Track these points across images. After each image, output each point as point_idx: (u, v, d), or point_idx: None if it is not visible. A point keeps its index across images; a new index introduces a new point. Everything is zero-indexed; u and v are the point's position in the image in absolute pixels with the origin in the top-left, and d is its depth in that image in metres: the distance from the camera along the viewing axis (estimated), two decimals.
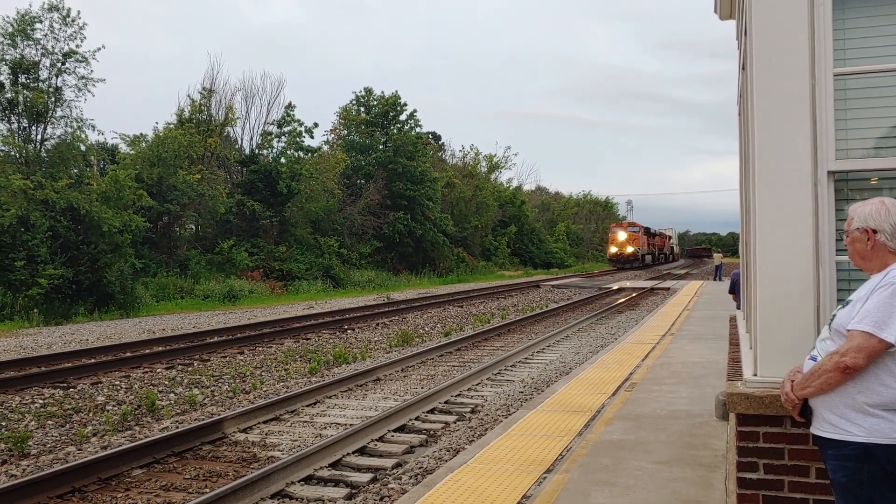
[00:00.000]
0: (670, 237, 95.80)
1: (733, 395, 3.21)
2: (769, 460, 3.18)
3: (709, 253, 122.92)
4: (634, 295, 29.90)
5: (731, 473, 3.70)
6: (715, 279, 39.99)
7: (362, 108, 50.11)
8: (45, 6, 25.91)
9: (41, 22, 25.84)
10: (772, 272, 3.19)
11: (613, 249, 62.89)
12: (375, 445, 7.62)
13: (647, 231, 69.13)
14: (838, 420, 2.60)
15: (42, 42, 25.93)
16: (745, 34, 3.74)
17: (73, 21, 26.20)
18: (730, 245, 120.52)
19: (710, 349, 11.57)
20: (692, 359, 10.78)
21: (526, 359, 13.43)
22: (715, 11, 6.14)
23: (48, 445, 7.76)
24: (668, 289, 32.41)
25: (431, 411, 9.22)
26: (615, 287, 35.01)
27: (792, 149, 3.17)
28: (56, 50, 26.14)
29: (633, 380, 9.17)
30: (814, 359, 2.71)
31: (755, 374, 3.23)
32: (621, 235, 63.18)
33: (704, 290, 27.91)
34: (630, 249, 62.13)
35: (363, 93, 50.41)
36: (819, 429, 2.68)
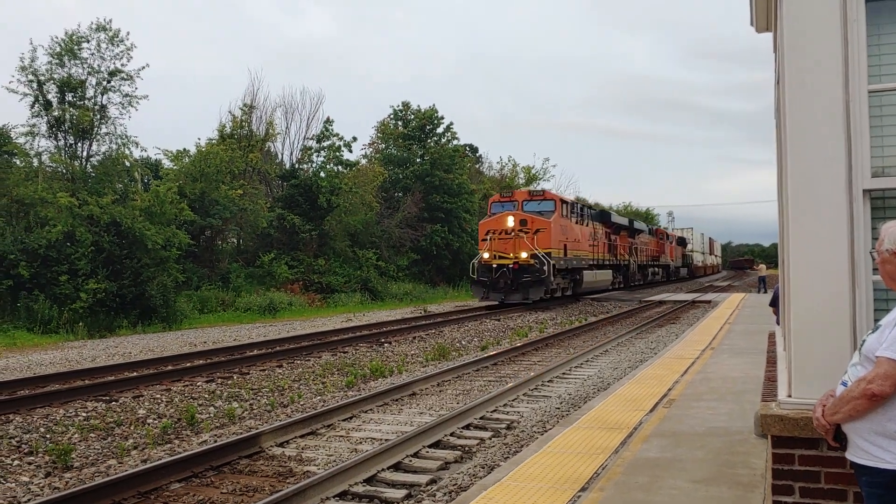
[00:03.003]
0: (686, 242, 72.69)
1: (767, 417, 3.16)
2: (805, 483, 3.12)
3: (751, 264, 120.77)
4: (675, 308, 29.55)
5: (768, 496, 3.64)
6: (759, 291, 39.32)
7: (400, 122, 50.49)
8: (93, 26, 26.59)
9: (88, 42, 26.51)
10: (806, 292, 3.14)
11: (486, 255, 29.49)
12: (410, 461, 7.62)
13: (592, 214, 37.12)
14: (870, 447, 2.54)
15: (88, 61, 26.61)
16: (778, 49, 3.70)
17: (120, 41, 26.83)
18: (772, 256, 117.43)
19: (752, 364, 11.36)
20: (733, 374, 10.60)
21: (563, 374, 13.33)
22: (751, 24, 6.07)
23: (90, 458, 7.90)
24: (710, 302, 31.98)
25: (467, 427, 9.19)
26: (656, 300, 34.67)
27: (826, 167, 3.12)
28: (102, 68, 26.80)
29: (672, 396, 9.04)
30: (844, 384, 2.65)
31: (790, 396, 3.18)
32: (509, 222, 29.50)
33: (747, 303, 27.46)
34: (525, 256, 28.72)
35: (401, 106, 50.85)
36: (853, 454, 2.62)
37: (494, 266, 28.92)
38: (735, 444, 6.62)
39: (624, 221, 44.32)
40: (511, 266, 28.58)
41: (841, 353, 3.01)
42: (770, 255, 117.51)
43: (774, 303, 10.17)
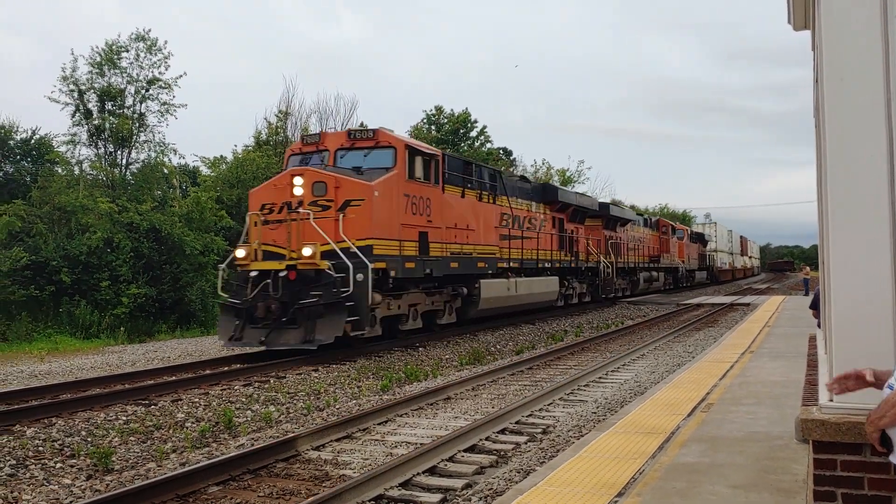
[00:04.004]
0: (706, 239, 61.59)
1: (808, 421, 3.10)
2: (847, 489, 3.05)
3: (791, 266, 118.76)
4: (714, 311, 29.18)
5: (810, 502, 3.56)
6: (805, 294, 38.60)
7: (433, 127, 50.58)
8: (133, 36, 27.07)
9: (128, 51, 27.00)
10: (847, 294, 3.07)
11: (242, 253, 15.53)
12: (445, 465, 7.61)
13: (517, 187, 24.22)
14: None
15: (128, 70, 27.08)
16: (816, 47, 3.63)
17: (158, 50, 27.27)
18: (813, 258, 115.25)
19: (792, 368, 11.16)
20: (773, 378, 10.42)
21: (600, 378, 13.23)
22: (788, 22, 5.98)
23: (130, 461, 8.02)
24: (749, 304, 31.54)
25: (502, 431, 9.16)
26: (694, 303, 34.26)
27: (867, 166, 3.05)
28: (141, 77, 27.26)
29: (710, 400, 8.92)
30: (892, 387, 2.59)
31: (831, 400, 3.11)
32: (295, 187, 15.52)
33: (787, 306, 27.01)
34: (310, 252, 14.85)
35: (433, 111, 50.92)
36: None
37: (255, 274, 15.20)
38: (775, 450, 6.50)
39: (590, 205, 31.26)
40: (285, 274, 14.97)
41: (884, 356, 2.94)
42: (810, 257, 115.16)
43: (815, 305, 9.99)
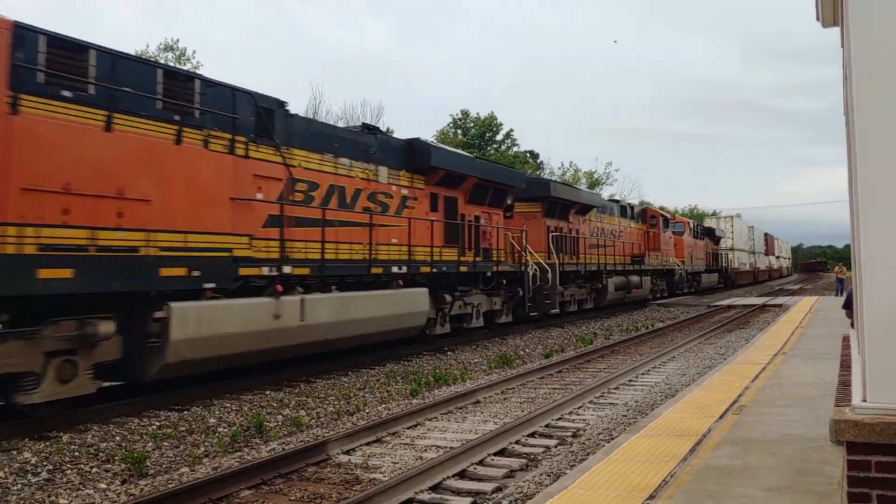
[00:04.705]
0: (718, 236, 52.32)
1: (841, 422, 3.07)
2: (883, 491, 3.01)
3: (824, 267, 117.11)
4: (745, 313, 28.88)
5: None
6: (837, 294, 38.02)
7: (459, 131, 50.66)
8: (161, 46, 27.45)
9: (157, 61, 27.41)
10: (879, 293, 3.03)
11: None
12: (475, 469, 7.61)
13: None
14: None
15: None
16: (844, 45, 3.60)
17: (187, 60, 27.70)
18: (846, 258, 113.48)
19: (826, 369, 11.01)
20: (806, 379, 10.30)
21: (630, 381, 13.16)
22: (817, 19, 5.92)
23: (164, 466, 8.12)
24: (781, 305, 31.18)
25: (532, 435, 9.15)
26: (725, 304, 33.91)
27: None
28: None
29: (742, 402, 8.83)
30: None
31: (864, 400, 3.08)
32: None
33: (820, 306, 26.65)
34: None
35: (459, 115, 51.02)
36: None
37: None
38: (809, 452, 6.42)
39: (511, 181, 21.23)
40: None
41: None
42: (843, 257, 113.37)
43: (848, 305, 9.86)
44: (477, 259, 19.44)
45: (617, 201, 34.89)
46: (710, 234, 50.82)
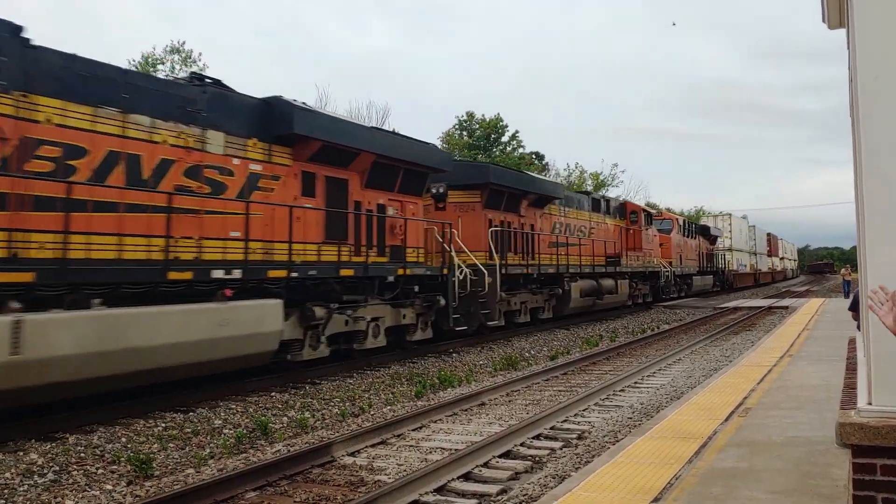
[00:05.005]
0: (713, 235, 48.28)
1: (846, 425, 3.06)
2: (888, 494, 3.00)
3: (831, 268, 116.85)
4: (751, 315, 28.81)
5: None
6: (845, 296, 37.90)
7: (464, 132, 50.66)
8: (168, 49, 27.52)
9: (163, 63, 27.49)
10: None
11: None
12: (480, 471, 7.61)
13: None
14: None
15: None
16: (850, 46, 3.59)
17: (193, 62, 27.78)
18: (852, 259, 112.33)
19: (832, 371, 10.97)
20: (812, 382, 10.27)
21: (635, 383, 13.14)
22: (823, 21, 5.91)
23: (170, 467, 8.13)
24: (787, 307, 31.10)
25: (537, 437, 9.14)
26: (731, 306, 33.84)
27: None
28: None
29: (748, 404, 8.81)
30: None
31: (870, 403, 3.07)
32: None
33: (827, 308, 26.58)
34: None
35: (465, 117, 51.01)
36: None
37: None
38: (815, 455, 6.40)
39: (437, 163, 17.38)
40: None
41: None
42: (850, 259, 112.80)
43: (854, 307, 9.82)
44: (380, 259, 15.20)
45: (588, 193, 30.71)
46: (705, 233, 46.83)
